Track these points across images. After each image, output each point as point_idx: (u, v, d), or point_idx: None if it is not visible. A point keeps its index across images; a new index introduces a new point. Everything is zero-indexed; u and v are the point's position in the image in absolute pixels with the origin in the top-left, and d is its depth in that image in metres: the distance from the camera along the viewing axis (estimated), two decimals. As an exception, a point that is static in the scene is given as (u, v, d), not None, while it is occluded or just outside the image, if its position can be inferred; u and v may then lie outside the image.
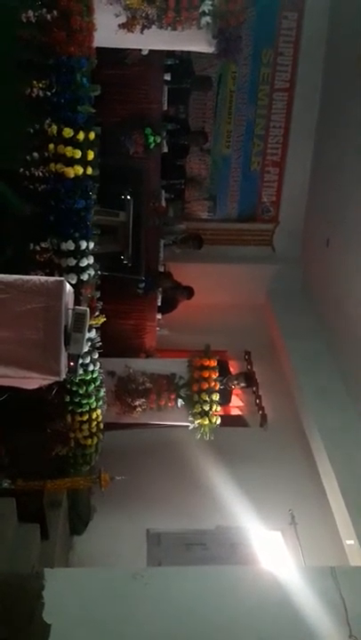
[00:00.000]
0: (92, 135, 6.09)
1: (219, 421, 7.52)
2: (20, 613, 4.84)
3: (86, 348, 6.14)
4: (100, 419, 7.04)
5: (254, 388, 9.40)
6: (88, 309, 5.08)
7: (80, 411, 6.78)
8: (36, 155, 6.14)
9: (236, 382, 8.28)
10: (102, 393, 7.05)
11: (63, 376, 4.99)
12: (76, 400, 6.73)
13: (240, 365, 10.31)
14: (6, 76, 6.04)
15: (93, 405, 6.86)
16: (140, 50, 6.84)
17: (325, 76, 10.05)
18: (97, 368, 6.81)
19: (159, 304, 8.63)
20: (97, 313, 6.70)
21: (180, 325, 9.35)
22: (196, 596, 5.18)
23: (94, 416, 6.93)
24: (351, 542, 6.82)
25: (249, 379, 8.60)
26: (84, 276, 6.36)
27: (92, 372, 6.73)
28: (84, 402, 6.76)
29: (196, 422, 7.45)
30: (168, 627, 4.98)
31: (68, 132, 5.92)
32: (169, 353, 9.02)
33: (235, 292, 10.69)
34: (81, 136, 5.97)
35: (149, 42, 6.39)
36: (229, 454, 8.17)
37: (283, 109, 10.45)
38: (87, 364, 6.61)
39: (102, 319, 6.74)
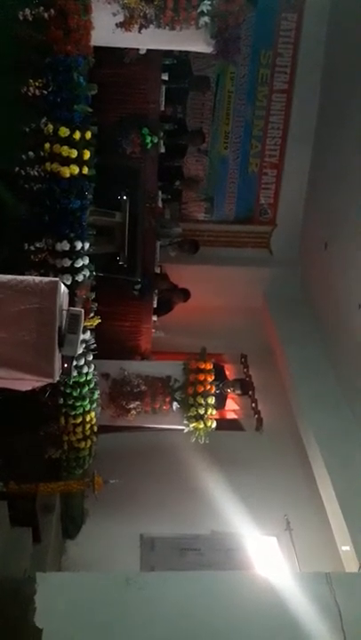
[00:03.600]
0: (88, 135, 6.07)
1: (214, 425, 7.47)
2: (11, 617, 4.79)
3: (80, 350, 6.08)
4: (93, 421, 7.01)
5: (250, 392, 9.36)
6: (83, 311, 5.02)
7: (74, 413, 6.75)
8: (31, 154, 6.14)
9: (231, 389, 8.24)
10: (96, 395, 7.00)
11: (57, 378, 4.93)
12: (70, 402, 6.69)
13: (236, 369, 10.28)
14: (2, 74, 6.03)
15: (87, 408, 6.83)
16: (138, 49, 6.81)
17: (324, 77, 10.02)
18: (91, 370, 6.78)
19: (155, 306, 8.58)
20: (92, 314, 6.68)
21: (176, 328, 9.30)
22: (190, 601, 5.13)
23: (88, 419, 6.89)
24: (347, 548, 6.77)
25: (244, 386, 8.55)
26: (79, 277, 6.33)
27: (87, 374, 6.70)
28: (78, 404, 6.72)
29: (191, 426, 7.41)
30: (161, 632, 4.94)
31: (64, 132, 5.89)
32: (164, 355, 8.97)
33: (231, 295, 10.63)
34: (77, 135, 5.94)
35: (147, 41, 6.36)
36: (225, 458, 8.14)
37: (281, 111, 10.40)
38: (81, 366, 6.57)
39: (97, 321, 6.71)
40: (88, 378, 6.74)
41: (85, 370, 6.65)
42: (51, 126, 5.92)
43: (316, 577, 5.40)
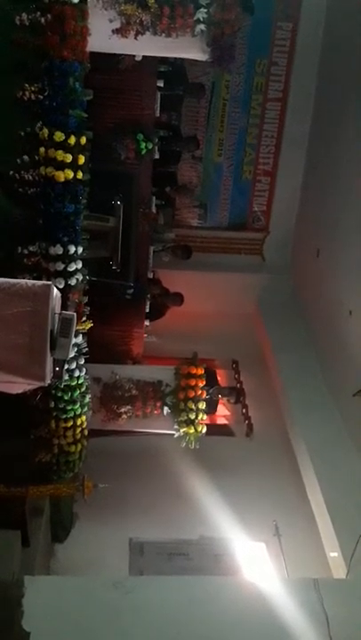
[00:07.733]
0: (83, 140, 6.09)
1: (204, 430, 7.48)
2: (-2, 621, 4.79)
3: (72, 354, 6.09)
4: (84, 425, 7.00)
5: (241, 398, 9.37)
6: (75, 314, 5.04)
7: (65, 417, 6.73)
8: (26, 158, 6.15)
9: (227, 398, 8.24)
10: (87, 399, 7.00)
11: (48, 381, 4.95)
12: (61, 406, 6.68)
13: (228, 374, 10.29)
14: (-1, 78, 6.04)
15: (78, 412, 6.82)
16: (134, 56, 6.83)
17: (319, 86, 10.09)
18: (83, 374, 6.77)
19: (147, 311, 8.60)
20: (84, 318, 6.67)
21: (168, 333, 9.31)
22: (177, 606, 5.15)
23: (79, 422, 6.88)
24: (335, 555, 6.78)
25: (239, 395, 8.56)
26: (72, 281, 6.35)
27: (78, 377, 6.69)
28: (69, 408, 6.71)
29: (182, 430, 7.41)
30: (149, 636, 4.94)
31: (59, 136, 5.92)
32: (156, 360, 8.98)
33: (224, 301, 10.67)
34: (72, 140, 5.96)
35: (143, 48, 6.39)
36: (214, 463, 8.14)
37: (275, 119, 10.48)
38: (73, 370, 6.57)
39: (89, 325, 6.70)
40: (79, 381, 6.73)
41: (77, 373, 6.65)
42: (46, 131, 5.94)
43: (305, 583, 5.44)
